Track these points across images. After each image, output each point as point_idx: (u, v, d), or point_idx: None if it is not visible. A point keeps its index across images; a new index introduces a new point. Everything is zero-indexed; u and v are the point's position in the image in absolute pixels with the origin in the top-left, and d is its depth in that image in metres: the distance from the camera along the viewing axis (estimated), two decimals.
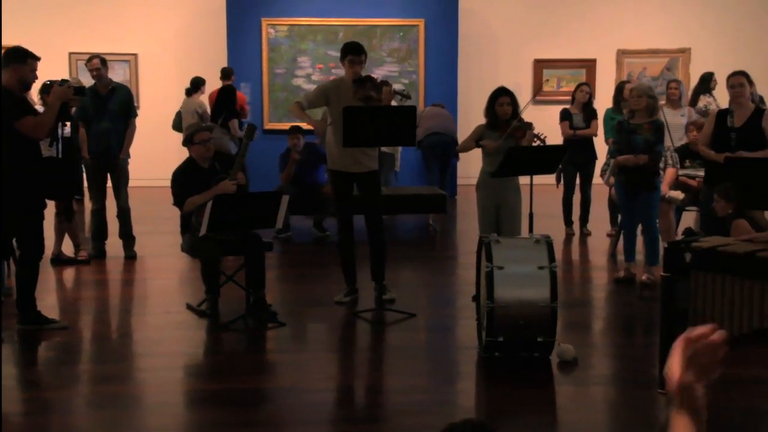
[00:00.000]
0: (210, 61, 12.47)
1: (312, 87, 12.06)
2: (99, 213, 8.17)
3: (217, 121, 10.19)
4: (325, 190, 9.19)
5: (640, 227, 7.11)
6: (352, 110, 5.95)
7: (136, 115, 8.32)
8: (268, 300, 6.12)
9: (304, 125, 7.57)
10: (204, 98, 11.46)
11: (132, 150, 8.32)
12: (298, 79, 12.27)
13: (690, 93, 9.57)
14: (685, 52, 13.50)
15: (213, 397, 4.72)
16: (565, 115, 9.15)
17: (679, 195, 7.88)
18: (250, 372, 5.13)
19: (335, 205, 6.60)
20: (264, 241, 6.22)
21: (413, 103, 11.16)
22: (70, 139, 7.68)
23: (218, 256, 6.11)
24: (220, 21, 12.55)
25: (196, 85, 11.38)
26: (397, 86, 7.92)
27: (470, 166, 11.64)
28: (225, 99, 10.61)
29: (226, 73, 11.37)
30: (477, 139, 6.40)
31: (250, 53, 12.31)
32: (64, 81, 6.11)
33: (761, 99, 8.80)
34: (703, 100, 9.17)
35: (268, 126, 12.22)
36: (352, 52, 6.39)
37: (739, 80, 6.30)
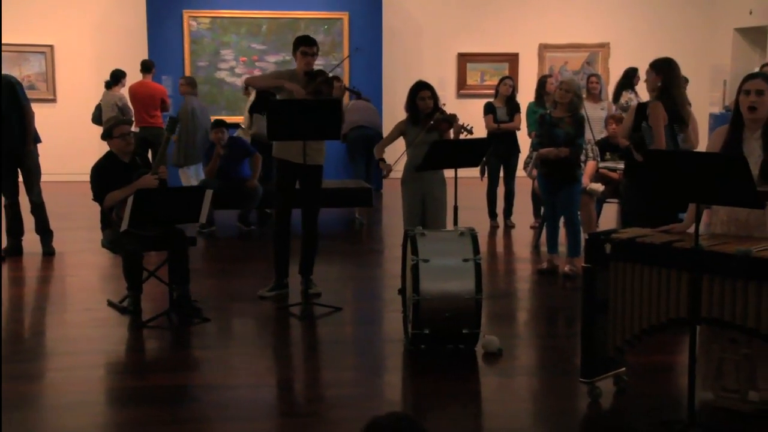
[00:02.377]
0: (130, 54, 12.22)
1: (236, 80, 11.97)
2: (11, 208, 7.92)
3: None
4: (249, 185, 9.11)
5: (562, 219, 7.23)
6: (278, 104, 5.93)
7: (26, 101, 7.87)
8: (192, 296, 6.04)
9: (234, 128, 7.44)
10: (124, 91, 11.24)
11: (49, 143, 8.10)
12: (221, 72, 12.12)
13: (613, 88, 9.75)
14: (604, 46, 13.77)
15: (135, 395, 4.63)
16: (488, 109, 9.24)
17: (599, 187, 8.04)
18: (174, 369, 5.05)
19: (276, 195, 6.52)
20: (187, 236, 6.14)
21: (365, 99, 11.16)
22: None
23: (140, 252, 6.00)
24: (140, 12, 12.30)
25: (117, 77, 11.15)
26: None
27: (396, 159, 11.67)
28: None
29: (146, 66, 11.17)
30: (394, 138, 6.43)
31: (171, 46, 12.10)
32: None
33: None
34: (626, 96, 9.36)
35: None
36: (304, 43, 6.38)
37: (648, 74, 6.44)
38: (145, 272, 6.11)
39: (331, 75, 6.46)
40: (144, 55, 11.84)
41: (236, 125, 10.32)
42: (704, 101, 12.64)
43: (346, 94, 10.53)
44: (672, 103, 6.14)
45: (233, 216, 9.51)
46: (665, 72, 6.31)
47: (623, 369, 4.55)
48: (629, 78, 9.60)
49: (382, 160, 6.47)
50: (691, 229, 3.95)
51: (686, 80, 9.11)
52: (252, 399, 4.57)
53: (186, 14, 12.03)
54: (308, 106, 6.00)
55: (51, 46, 13.08)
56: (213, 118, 10.00)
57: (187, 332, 5.77)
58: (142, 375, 4.98)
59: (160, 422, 4.22)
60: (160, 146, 6.57)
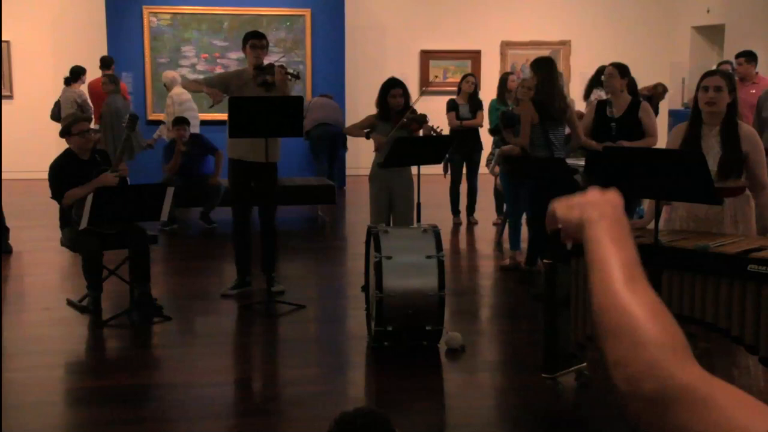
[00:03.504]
0: (89, 50, 12.06)
1: (197, 77, 11.85)
2: None
3: None
4: (211, 182, 9.05)
5: (524, 216, 7.27)
6: (238, 101, 5.90)
7: None
8: (153, 294, 5.98)
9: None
10: (84, 88, 11.10)
11: (6, 140, 7.96)
12: (182, 68, 11.99)
13: (585, 85, 9.83)
14: (566, 44, 13.88)
15: (96, 394, 4.58)
16: (451, 106, 9.27)
17: None
18: (135, 368, 5.00)
19: (232, 195, 6.49)
20: (149, 234, 6.08)
21: (300, 92, 11.13)
22: None
23: (100, 250, 5.93)
24: (99, 7, 12.13)
25: (76, 74, 11.00)
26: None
27: (359, 156, 11.68)
28: None
29: (105, 62, 11.04)
30: (366, 127, 6.41)
31: (131, 42, 11.96)
32: None
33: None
34: (596, 94, 9.46)
35: (152, 117, 11.91)
36: (253, 36, 6.40)
37: (609, 71, 6.50)
38: (106, 271, 6.05)
39: (277, 64, 6.42)
40: (103, 51, 11.69)
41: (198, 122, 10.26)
42: (664, 98, 12.78)
43: (309, 90, 10.50)
44: (546, 102, 6.42)
45: (195, 214, 9.44)
46: (542, 71, 6.60)
47: (585, 364, 4.59)
48: (600, 75, 9.70)
49: (369, 134, 6.41)
50: (651, 225, 3.99)
51: (562, 75, 9.28)
52: (214, 397, 4.54)
53: (146, 10, 11.90)
54: (270, 102, 5.97)
55: (7, 42, 12.87)
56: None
57: (149, 331, 5.72)
58: (103, 375, 4.92)
59: (121, 422, 4.18)
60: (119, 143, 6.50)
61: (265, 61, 6.42)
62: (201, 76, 11.62)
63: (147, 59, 11.97)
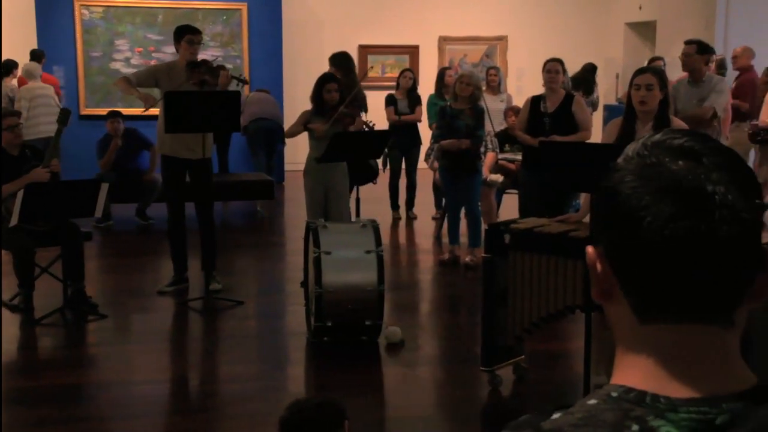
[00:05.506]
0: (18, 43, 11.72)
1: (131, 71, 11.65)
2: None
3: None
4: (147, 177, 8.92)
5: (463, 210, 7.32)
6: (174, 95, 5.81)
7: None
8: (87, 292, 5.87)
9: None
10: (15, 82, 10.81)
11: None
12: (116, 62, 11.77)
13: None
14: (503, 39, 13.99)
15: (29, 394, 4.47)
16: (390, 101, 9.27)
17: (498, 178, 8.17)
18: (69, 367, 4.91)
19: (166, 191, 6.41)
20: (82, 230, 5.96)
21: (237, 87, 11.01)
22: None
23: (32, 248, 5.80)
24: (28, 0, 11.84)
25: (9, 68, 10.70)
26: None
27: (297, 151, 11.59)
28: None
29: (36, 56, 10.78)
30: (304, 123, 6.39)
31: (62, 35, 11.68)
32: None
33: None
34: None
35: (85, 111, 11.66)
36: (191, 31, 6.26)
37: (555, 67, 6.59)
38: (38, 268, 5.91)
39: (215, 64, 6.34)
40: (33, 45, 11.41)
41: (131, 117, 10.09)
42: (599, 93, 13.00)
43: (235, 85, 10.40)
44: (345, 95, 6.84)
45: (131, 210, 9.28)
46: (337, 65, 7.38)
47: (522, 357, 4.64)
48: (585, 73, 9.90)
49: (307, 125, 6.40)
50: (587, 219, 4.05)
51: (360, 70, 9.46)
52: (151, 395, 4.48)
53: (77, 2, 11.63)
54: (207, 97, 5.90)
55: None
56: (108, 110, 9.73)
57: (83, 329, 5.61)
58: (36, 374, 4.82)
59: (55, 422, 4.10)
60: (51, 138, 6.36)
61: (199, 57, 6.34)
62: (134, 71, 11.47)
63: (79, 53, 11.70)
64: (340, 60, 7.55)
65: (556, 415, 0.90)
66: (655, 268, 0.84)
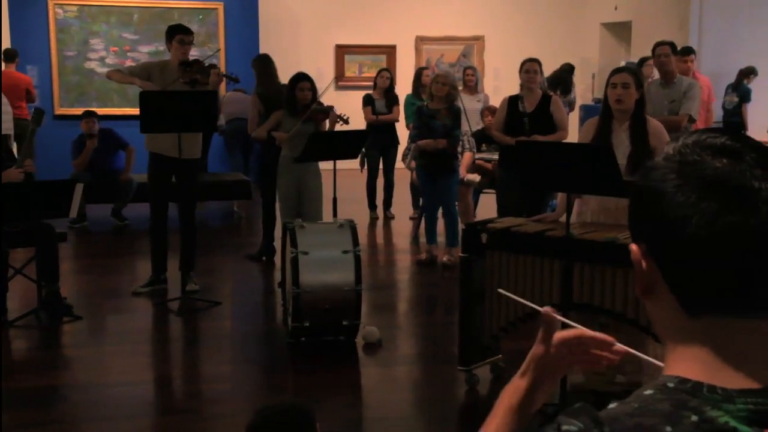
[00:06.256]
0: None
1: (106, 71, 11.56)
2: None
3: None
4: (123, 178, 8.86)
5: (440, 210, 7.33)
6: (150, 95, 5.78)
7: None
8: (62, 293, 5.82)
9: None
10: None
11: None
12: (91, 62, 11.68)
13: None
14: (479, 39, 14.03)
15: (3, 397, 4.42)
16: (367, 101, 9.28)
17: (476, 178, 8.19)
18: (44, 369, 4.86)
19: (150, 189, 6.35)
20: (57, 231, 5.91)
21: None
22: None
23: (5, 249, 5.73)
24: None
25: None
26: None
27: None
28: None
29: (9, 55, 10.65)
30: (274, 125, 6.39)
31: (35, 34, 11.56)
32: None
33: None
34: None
35: (60, 111, 11.55)
36: (182, 31, 6.24)
37: (533, 67, 6.61)
38: (11, 270, 5.85)
39: (207, 64, 6.33)
40: (6, 44, 11.29)
41: (107, 117, 10.01)
42: (576, 94, 13.07)
43: (223, 85, 10.36)
44: (268, 95, 6.94)
45: (107, 210, 9.21)
46: (258, 67, 7.29)
47: (499, 356, 4.65)
48: (562, 73, 9.96)
49: (270, 133, 6.43)
50: (563, 218, 4.07)
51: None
52: (127, 397, 4.44)
53: (51, 1, 11.53)
54: (183, 97, 5.87)
55: None
56: (83, 109, 9.65)
57: (58, 331, 5.56)
58: (10, 376, 4.75)
59: (30, 425, 4.06)
60: (25, 138, 6.30)
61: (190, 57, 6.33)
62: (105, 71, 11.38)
63: (53, 52, 11.60)
64: (261, 63, 7.37)
65: (612, 405, 0.92)
66: (705, 263, 0.87)
